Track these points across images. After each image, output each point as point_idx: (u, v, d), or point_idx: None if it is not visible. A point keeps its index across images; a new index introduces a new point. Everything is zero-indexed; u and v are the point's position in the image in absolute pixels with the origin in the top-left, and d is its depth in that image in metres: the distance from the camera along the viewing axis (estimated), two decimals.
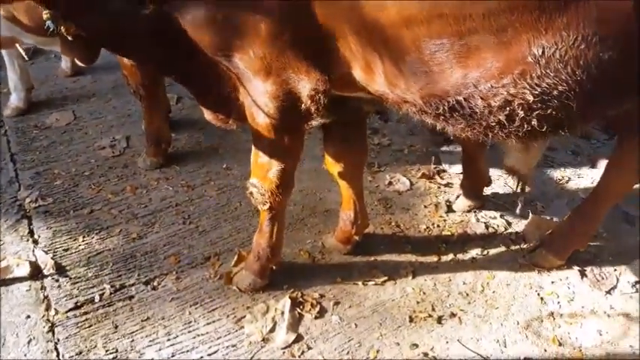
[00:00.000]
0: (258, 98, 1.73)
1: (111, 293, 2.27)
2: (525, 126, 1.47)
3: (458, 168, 2.91)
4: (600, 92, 1.42)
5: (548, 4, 1.32)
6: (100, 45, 1.91)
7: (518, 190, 2.40)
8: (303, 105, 1.72)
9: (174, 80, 2.13)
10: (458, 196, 2.77)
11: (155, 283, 2.33)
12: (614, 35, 1.32)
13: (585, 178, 2.98)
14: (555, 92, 1.39)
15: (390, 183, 2.92)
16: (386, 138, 3.29)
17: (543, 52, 1.36)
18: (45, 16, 1.64)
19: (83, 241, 2.54)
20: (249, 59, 1.66)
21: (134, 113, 3.52)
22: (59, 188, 2.88)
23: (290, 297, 2.23)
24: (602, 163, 2.61)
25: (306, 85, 1.67)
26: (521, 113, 1.45)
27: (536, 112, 1.44)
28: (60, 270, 2.38)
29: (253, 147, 1.94)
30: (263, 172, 1.93)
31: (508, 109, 1.45)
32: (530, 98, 1.41)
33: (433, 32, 1.42)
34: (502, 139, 1.57)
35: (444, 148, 3.18)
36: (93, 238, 2.56)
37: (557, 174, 3.02)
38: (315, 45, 1.60)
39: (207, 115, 1.99)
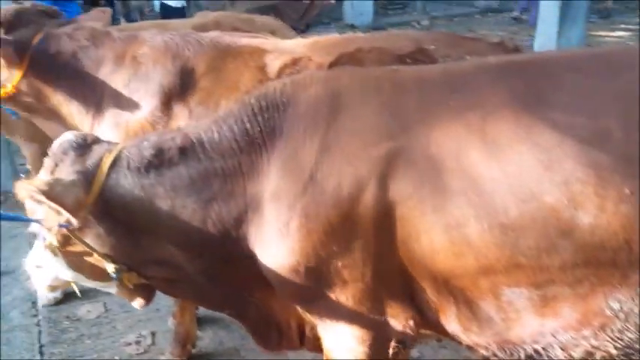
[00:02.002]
0: (343, 342, 1.73)
1: None
2: None
3: None
4: None
5: (622, 260, 1.37)
6: (160, 290, 2.02)
7: None
8: (389, 345, 1.71)
9: (224, 313, 2.17)
10: None
11: None
12: None
13: None
14: (638, 346, 1.42)
15: None
16: (415, 349, 3.29)
17: (621, 307, 1.39)
18: (110, 269, 1.77)
19: None
20: (333, 305, 1.68)
21: (162, 308, 3.64)
22: None
23: None
24: None
25: (394, 326, 1.68)
26: None
27: None
28: None
29: None
30: None
31: None
32: (614, 352, 1.43)
33: (510, 281, 1.47)
34: None
35: None
36: None
37: None
38: (397, 287, 1.65)
39: (257, 341, 2.03)
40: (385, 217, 1.58)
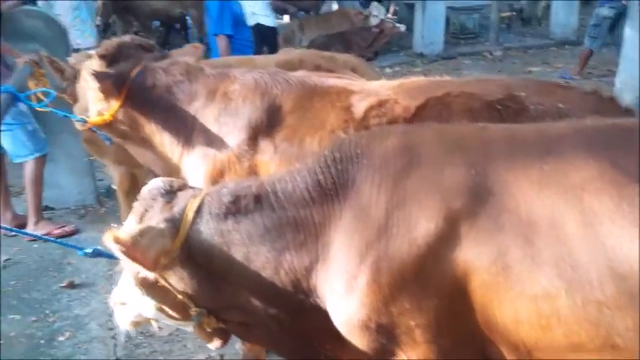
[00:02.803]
0: None
1: None
2: None
3: None
4: None
5: None
6: (234, 333, 2.05)
7: None
8: None
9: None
10: None
11: None
12: None
13: None
14: None
15: None
16: None
17: None
18: (192, 312, 1.83)
19: None
20: None
21: None
22: None
23: None
24: None
25: None
26: None
27: None
28: None
29: None
30: None
31: None
32: None
33: None
34: None
35: None
36: None
37: None
38: (472, 350, 1.61)
39: None
40: (464, 281, 1.53)
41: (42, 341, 3.58)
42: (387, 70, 10.64)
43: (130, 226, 1.84)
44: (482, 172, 1.56)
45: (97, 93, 2.49)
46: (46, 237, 2.10)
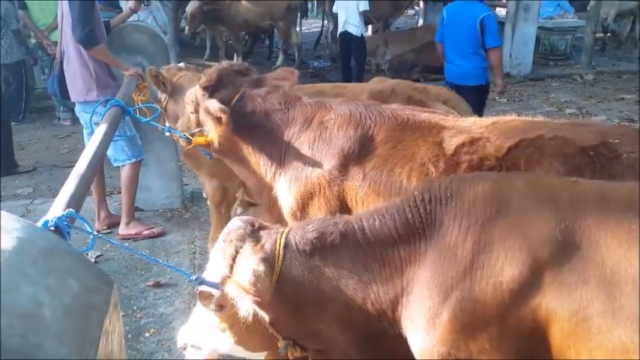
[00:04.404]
0: None
1: None
2: None
3: None
4: None
5: None
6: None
7: None
8: None
9: None
10: None
11: None
12: None
13: None
14: None
15: None
16: None
17: None
18: (281, 344, 1.93)
19: None
20: None
21: None
22: None
23: None
24: None
25: None
26: None
27: None
28: None
29: None
30: None
31: None
32: None
33: None
34: None
35: None
36: None
37: None
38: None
39: None
40: (544, 326, 1.58)
41: (129, 335, 3.83)
42: None
43: (219, 267, 1.92)
44: (571, 226, 1.60)
45: (216, 123, 2.65)
46: (160, 261, 2.27)
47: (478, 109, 5.19)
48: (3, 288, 0.89)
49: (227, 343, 2.03)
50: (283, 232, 1.93)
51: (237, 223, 1.99)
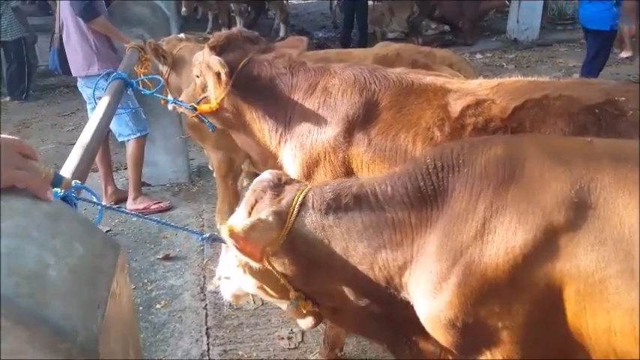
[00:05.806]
0: None
1: None
2: None
3: None
4: None
5: None
6: (325, 316, 2.17)
7: None
8: None
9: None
10: None
11: None
12: None
13: None
14: None
15: None
16: None
17: None
18: (292, 296, 1.97)
19: None
20: None
21: None
22: None
23: None
24: None
25: None
26: None
27: None
28: None
29: None
30: None
31: None
32: None
33: None
34: None
35: None
36: None
37: None
38: (559, 352, 1.65)
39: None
40: (559, 289, 1.56)
41: (141, 307, 3.89)
42: (479, 56, 10.39)
43: (240, 214, 2.00)
44: (587, 187, 1.57)
45: (216, 80, 2.64)
46: (167, 223, 2.30)
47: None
48: (9, 250, 0.90)
49: (250, 285, 2.09)
50: (304, 189, 1.95)
51: (266, 176, 2.05)
